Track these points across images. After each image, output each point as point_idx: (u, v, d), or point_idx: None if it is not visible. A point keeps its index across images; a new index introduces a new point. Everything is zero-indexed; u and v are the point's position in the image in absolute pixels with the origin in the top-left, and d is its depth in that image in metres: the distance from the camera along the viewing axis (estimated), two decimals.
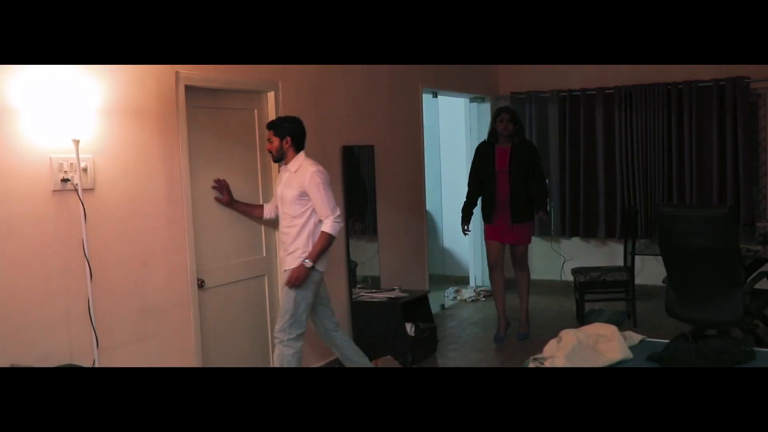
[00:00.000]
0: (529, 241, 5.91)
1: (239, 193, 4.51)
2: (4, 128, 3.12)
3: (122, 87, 3.63)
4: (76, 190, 3.36)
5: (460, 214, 5.89)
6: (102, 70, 3.52)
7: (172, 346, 3.95)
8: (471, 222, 5.94)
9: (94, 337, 3.43)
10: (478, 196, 5.86)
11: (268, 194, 4.72)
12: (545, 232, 7.71)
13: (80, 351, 3.40)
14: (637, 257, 6.22)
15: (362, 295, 5.51)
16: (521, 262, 5.95)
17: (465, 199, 5.89)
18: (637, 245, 6.31)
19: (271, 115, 4.65)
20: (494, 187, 5.69)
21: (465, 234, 5.98)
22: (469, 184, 5.92)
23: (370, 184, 5.74)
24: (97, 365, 3.40)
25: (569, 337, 3.27)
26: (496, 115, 5.75)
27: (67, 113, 3.26)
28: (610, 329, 3.39)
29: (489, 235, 5.85)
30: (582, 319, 6.10)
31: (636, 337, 3.54)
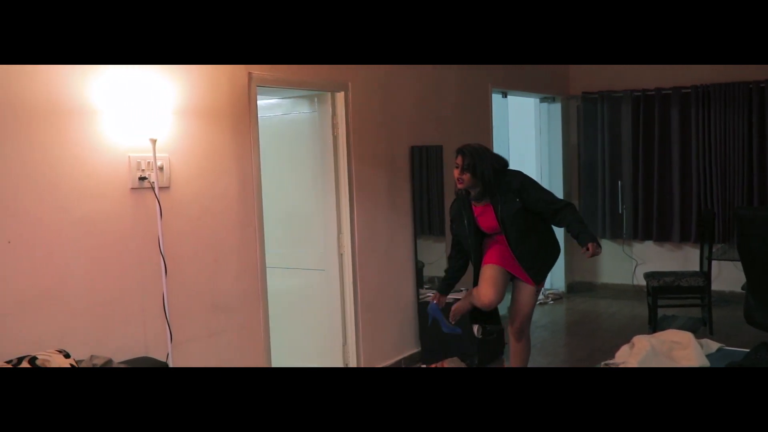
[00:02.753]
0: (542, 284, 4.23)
1: (305, 192, 4.55)
2: (87, 128, 3.23)
3: (197, 88, 3.72)
4: (153, 188, 3.46)
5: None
6: (178, 71, 3.61)
7: (241, 342, 4.03)
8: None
9: (168, 331, 3.52)
10: (464, 269, 4.26)
11: (332, 195, 4.75)
12: (617, 235, 7.54)
13: (155, 344, 3.50)
14: (713, 262, 6.00)
15: (429, 296, 5.49)
16: (525, 320, 4.29)
17: (445, 272, 4.33)
18: (714, 250, 6.09)
19: (341, 116, 4.69)
20: (482, 251, 4.06)
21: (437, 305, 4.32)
22: (452, 251, 4.26)
23: (438, 185, 5.73)
24: (170, 359, 3.49)
25: (642, 343, 3.18)
26: (455, 157, 3.94)
27: (145, 113, 3.36)
28: (686, 336, 3.28)
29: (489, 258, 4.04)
30: (655, 325, 5.93)
31: (713, 345, 3.42)
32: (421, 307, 5.41)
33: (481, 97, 6.37)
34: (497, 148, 6.95)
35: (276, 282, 4.53)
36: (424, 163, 5.57)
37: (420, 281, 5.51)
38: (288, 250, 4.88)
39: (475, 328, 5.41)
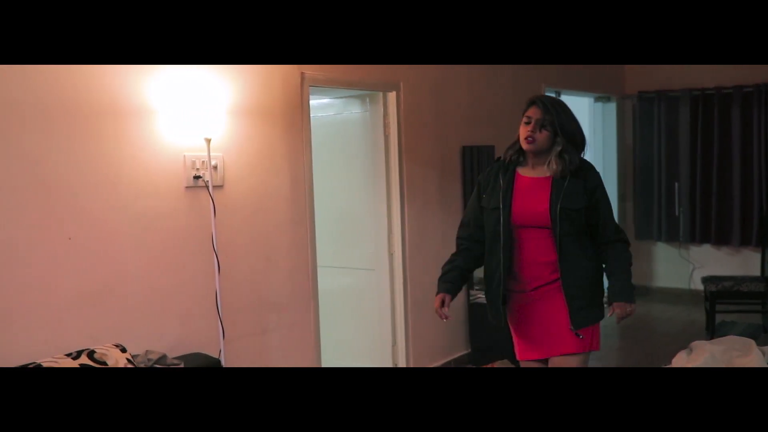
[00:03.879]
0: (593, 346, 2.94)
1: (356, 191, 4.56)
2: (144, 128, 3.30)
3: (250, 88, 3.76)
4: (207, 187, 3.51)
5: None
6: (232, 71, 3.66)
7: (291, 340, 4.06)
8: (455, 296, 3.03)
9: (221, 328, 3.57)
10: (474, 265, 3.07)
11: (383, 194, 4.75)
12: (673, 237, 7.36)
13: (207, 341, 3.55)
14: None
15: (479, 297, 5.45)
16: None
17: (446, 264, 3.05)
18: None
19: (392, 115, 4.69)
20: (513, 257, 2.88)
21: (443, 319, 2.99)
22: (459, 242, 3.08)
23: None
24: (222, 356, 3.54)
25: (701, 349, 3.09)
26: (525, 110, 2.92)
27: (200, 113, 3.41)
28: (747, 343, 3.17)
29: (521, 351, 3.01)
30: (712, 331, 5.78)
31: None
32: (472, 308, 5.37)
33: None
34: None
35: (326, 281, 4.55)
36: (476, 163, 5.52)
37: (470, 282, 5.48)
38: (338, 250, 4.90)
39: None
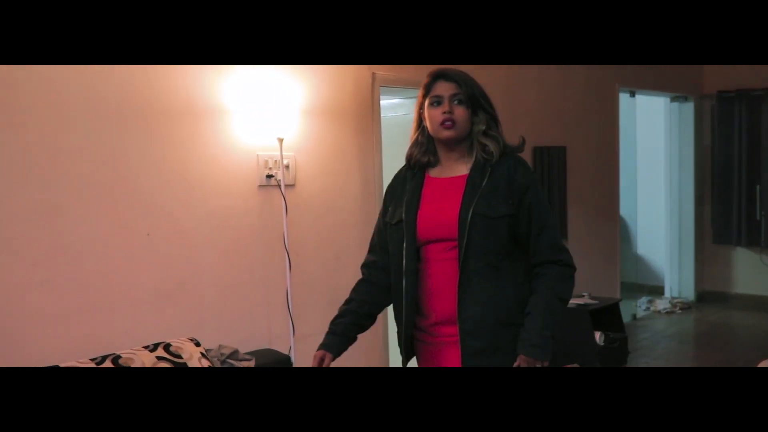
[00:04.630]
0: None
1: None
2: (218, 128, 3.38)
3: (322, 88, 3.81)
4: (279, 186, 3.58)
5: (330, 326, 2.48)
6: (305, 71, 3.71)
7: (359, 339, 4.08)
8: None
9: (291, 325, 3.63)
10: (378, 303, 2.42)
11: None
12: (754, 242, 7.09)
13: (278, 337, 3.61)
14: None
15: None
16: None
17: (342, 304, 2.47)
18: None
19: None
20: (419, 286, 2.21)
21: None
22: (361, 271, 2.51)
23: (561, 186, 5.59)
24: (292, 352, 3.60)
25: None
26: (426, 92, 2.27)
27: (273, 113, 3.47)
28: None
29: None
30: None
31: None
32: None
33: (608, 96, 6.17)
34: (624, 150, 6.70)
35: None
36: (546, 164, 5.45)
37: None
38: None
39: (597, 335, 5.25)
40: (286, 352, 3.56)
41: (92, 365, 2.71)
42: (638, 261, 8.02)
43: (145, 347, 2.91)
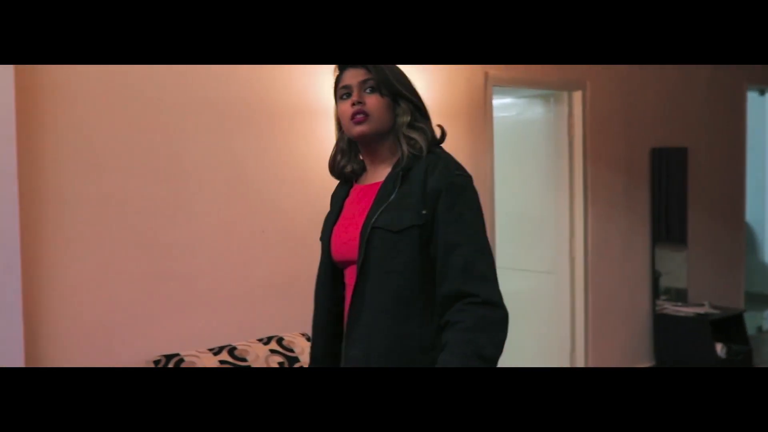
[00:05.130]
0: None
1: (536, 193, 4.47)
2: (331, 126, 3.42)
3: (435, 87, 3.82)
4: None
5: None
6: (417, 71, 3.70)
7: None
8: None
9: None
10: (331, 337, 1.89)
11: (565, 197, 4.63)
12: None
13: None
14: None
15: (666, 308, 5.16)
16: None
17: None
18: None
19: (578, 116, 4.55)
20: (336, 315, 1.88)
21: None
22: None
23: (680, 190, 5.35)
24: None
25: None
26: (336, 82, 1.95)
27: None
28: None
29: None
30: None
31: None
32: (657, 319, 5.10)
33: (734, 94, 5.85)
34: (752, 151, 6.33)
35: (504, 282, 4.49)
36: (665, 166, 5.23)
37: (656, 291, 5.20)
38: (518, 251, 4.84)
39: (719, 347, 4.99)
40: None
41: (210, 355, 2.83)
42: (765, 270, 7.57)
43: (259, 340, 3.02)
